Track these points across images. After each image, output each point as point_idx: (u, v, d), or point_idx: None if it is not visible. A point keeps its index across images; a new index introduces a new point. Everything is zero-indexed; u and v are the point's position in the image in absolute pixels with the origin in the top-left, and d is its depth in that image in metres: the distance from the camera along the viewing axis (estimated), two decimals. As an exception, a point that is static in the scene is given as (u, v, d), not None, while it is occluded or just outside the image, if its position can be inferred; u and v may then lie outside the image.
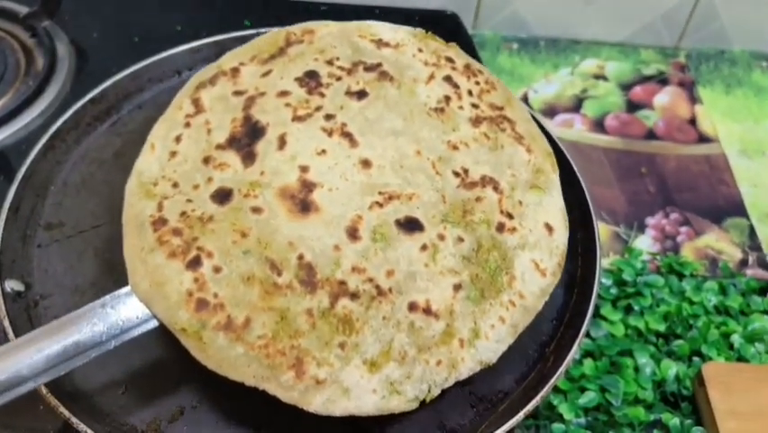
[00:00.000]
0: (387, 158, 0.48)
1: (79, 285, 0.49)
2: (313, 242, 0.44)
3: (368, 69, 0.52)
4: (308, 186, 0.46)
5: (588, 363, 0.62)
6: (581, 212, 0.54)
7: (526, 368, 0.49)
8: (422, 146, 0.49)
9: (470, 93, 0.52)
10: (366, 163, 0.47)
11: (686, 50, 0.92)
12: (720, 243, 0.73)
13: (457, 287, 0.44)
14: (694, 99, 0.86)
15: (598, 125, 0.82)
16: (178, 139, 0.49)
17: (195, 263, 0.42)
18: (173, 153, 0.48)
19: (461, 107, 0.51)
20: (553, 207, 0.49)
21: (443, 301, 0.43)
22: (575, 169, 0.55)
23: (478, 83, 0.53)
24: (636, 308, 0.66)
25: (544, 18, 0.89)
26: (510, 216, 0.47)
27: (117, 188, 0.48)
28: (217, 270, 0.42)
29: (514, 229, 0.47)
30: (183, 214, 0.44)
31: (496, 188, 0.48)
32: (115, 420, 0.44)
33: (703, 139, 0.82)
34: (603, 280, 0.67)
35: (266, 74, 0.52)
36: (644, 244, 0.73)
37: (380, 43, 0.54)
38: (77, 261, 0.51)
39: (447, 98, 0.51)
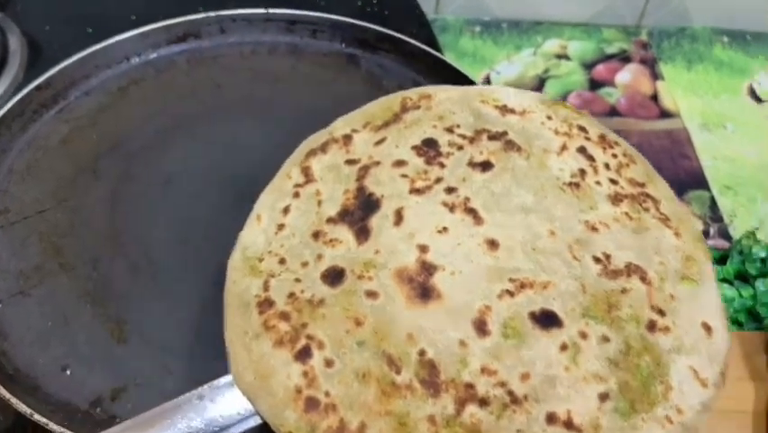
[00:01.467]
0: (516, 238, 0.42)
1: (23, 270, 0.49)
2: (435, 335, 0.38)
3: (492, 137, 0.47)
4: (428, 268, 0.40)
5: None
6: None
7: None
8: (556, 226, 0.43)
9: (607, 167, 0.47)
10: (493, 244, 0.42)
11: (648, 28, 0.91)
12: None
13: (603, 396, 0.38)
14: (656, 76, 0.85)
15: None
16: (285, 210, 0.44)
17: (304, 354, 0.37)
18: (280, 226, 0.44)
19: (598, 183, 0.45)
20: (710, 303, 0.42)
21: (587, 413, 0.37)
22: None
23: (615, 155, 0.47)
24: None
25: (506, 0, 0.89)
26: (662, 313, 0.41)
27: (63, 175, 0.51)
28: (329, 363, 0.37)
29: (667, 329, 0.40)
30: (291, 295, 0.40)
31: (643, 279, 0.42)
32: (57, 400, 0.43)
33: (665, 114, 0.81)
34: None
35: (380, 142, 0.47)
36: None
37: (505, 110, 0.49)
38: (20, 246, 0.50)
39: (582, 172, 0.46)
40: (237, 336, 0.39)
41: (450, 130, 0.48)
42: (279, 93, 0.62)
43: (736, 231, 0.70)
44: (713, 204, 0.74)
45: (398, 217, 0.43)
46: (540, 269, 0.41)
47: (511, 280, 0.40)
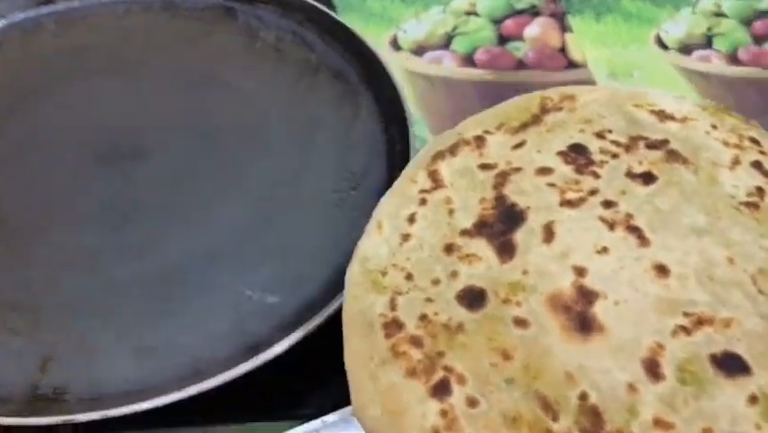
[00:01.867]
0: (689, 265, 0.35)
1: None
2: (598, 375, 0.32)
3: (651, 146, 0.41)
4: (587, 295, 0.34)
5: None
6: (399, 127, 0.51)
7: None
8: (734, 252, 0.36)
9: (786, 185, 0.39)
10: (662, 270, 0.35)
11: (557, -18, 0.87)
12: None
13: (803, 467, 0.31)
14: (564, 28, 0.81)
15: (468, 60, 0.79)
16: (411, 219, 0.39)
17: (442, 389, 0.31)
18: (406, 236, 0.38)
19: (779, 204, 0.38)
20: None
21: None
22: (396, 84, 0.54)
23: (796, 174, 0.40)
24: None
25: (416, -42, 0.85)
26: None
27: None
28: (472, 403, 0.31)
29: None
30: (423, 317, 0.34)
31: None
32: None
33: (572, 65, 0.79)
34: None
35: (518, 146, 0.41)
36: None
37: (663, 115, 0.43)
38: None
39: (760, 191, 0.39)
40: (360, 361, 0.33)
41: (600, 135, 0.41)
42: (152, 51, 0.60)
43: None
44: None
45: (549, 233, 0.36)
46: (719, 303, 0.34)
47: (686, 314, 0.34)
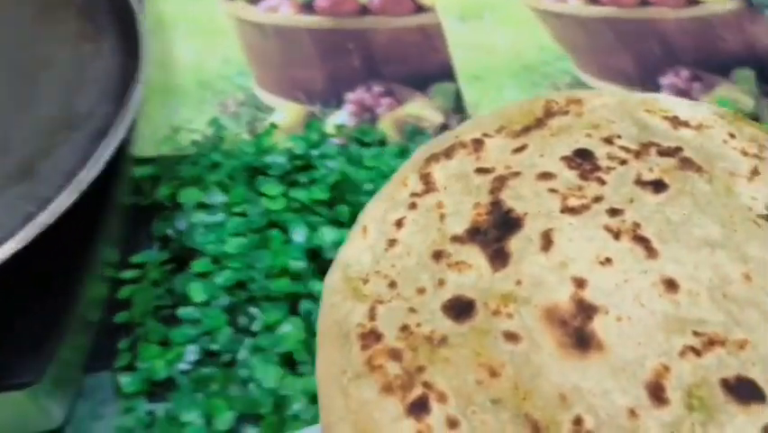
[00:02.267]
0: (701, 280, 0.32)
1: None
2: (596, 399, 0.29)
3: (663, 153, 0.37)
4: (587, 309, 0.31)
5: (233, 241, 0.55)
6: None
7: None
8: (751, 268, 0.33)
9: (813, 198, 0.36)
10: (671, 285, 0.32)
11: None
12: (424, 110, 0.70)
13: (824, 505, 0.27)
14: None
15: (307, 8, 0.77)
16: (399, 223, 0.36)
17: (420, 408, 0.28)
18: (392, 242, 0.35)
19: (804, 218, 0.35)
20: None
21: None
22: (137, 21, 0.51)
23: (822, 187, 0.37)
24: (304, 180, 0.59)
25: None
26: None
27: None
28: (453, 424, 0.28)
29: None
30: (405, 328, 0.31)
31: None
32: None
33: (420, 9, 0.78)
34: (277, 159, 0.62)
35: (519, 149, 0.39)
36: (341, 119, 0.68)
37: (677, 122, 0.40)
38: None
39: (782, 203, 0.35)
40: (332, 375, 0.30)
41: (609, 141, 0.38)
42: None
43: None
44: (458, 96, 0.72)
45: (547, 241, 0.33)
46: (734, 322, 0.31)
47: (696, 333, 0.30)
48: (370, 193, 0.61)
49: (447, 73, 0.75)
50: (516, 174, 0.37)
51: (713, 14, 0.81)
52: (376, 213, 0.37)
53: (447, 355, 0.30)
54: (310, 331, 0.52)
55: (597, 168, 0.37)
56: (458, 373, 0.29)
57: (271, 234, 0.56)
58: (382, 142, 0.68)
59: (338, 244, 0.56)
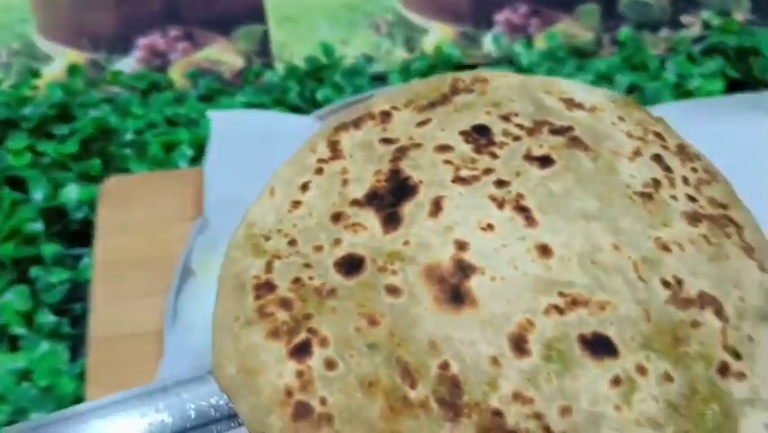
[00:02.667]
0: (573, 248, 0.35)
1: None
2: (464, 347, 0.31)
3: (555, 131, 0.40)
4: (465, 269, 0.34)
5: None
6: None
7: None
8: (621, 239, 0.36)
9: (685, 181, 0.39)
10: (545, 250, 0.35)
11: None
12: (223, 54, 0.69)
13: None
14: None
15: None
16: (304, 187, 0.38)
17: (302, 351, 0.31)
18: (296, 203, 0.38)
19: (673, 197, 0.38)
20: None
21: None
22: None
23: (695, 170, 0.40)
24: (62, 132, 0.58)
25: None
26: (737, 356, 0.33)
27: None
28: (331, 365, 0.31)
29: (742, 375, 0.33)
30: (297, 281, 0.33)
31: (719, 313, 0.34)
32: None
33: None
34: (37, 110, 0.59)
35: (423, 123, 0.41)
36: (126, 66, 0.67)
37: (571, 104, 0.43)
38: None
39: (656, 183, 0.39)
40: (225, 321, 0.33)
41: (506, 118, 0.41)
42: None
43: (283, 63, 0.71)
44: (265, 38, 0.72)
45: (436, 207, 0.36)
46: (598, 286, 0.34)
47: (562, 294, 0.34)
48: (133, 144, 0.61)
49: (256, 14, 0.72)
50: (418, 145, 0.39)
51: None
52: (285, 176, 0.39)
53: (333, 306, 0.32)
54: (37, 300, 0.49)
55: (492, 143, 0.40)
56: (341, 321, 0.32)
57: (2, 194, 0.53)
58: (162, 89, 0.66)
59: (85, 202, 0.55)
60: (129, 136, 0.62)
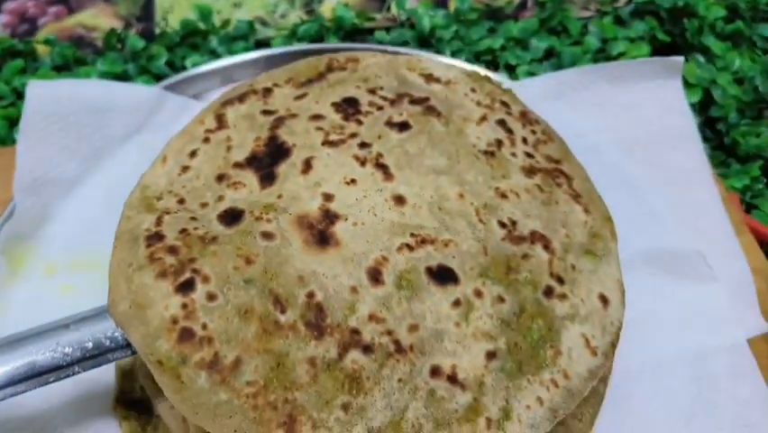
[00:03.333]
0: (424, 197, 0.41)
1: None
2: (327, 280, 0.37)
3: (414, 101, 0.47)
4: (330, 217, 0.40)
5: None
6: None
7: None
8: (466, 189, 0.42)
9: (524, 141, 0.46)
10: (400, 200, 0.41)
11: None
12: (99, 18, 0.66)
13: (491, 355, 0.37)
14: None
15: None
16: (193, 154, 0.43)
17: (186, 287, 0.36)
18: (185, 168, 0.43)
19: (513, 154, 0.45)
20: (610, 278, 0.41)
21: (472, 370, 0.36)
22: None
23: (534, 132, 0.47)
24: None
25: None
26: (560, 281, 0.40)
27: None
28: (211, 297, 0.36)
29: (564, 296, 0.40)
30: (183, 231, 0.38)
31: (546, 247, 0.41)
32: None
33: None
34: None
35: (300, 97, 0.47)
36: None
37: (430, 78, 0.49)
38: None
39: (499, 143, 0.45)
40: (120, 268, 0.37)
41: (372, 91, 0.47)
42: None
43: (169, 25, 0.67)
44: (149, 2, 0.69)
45: (307, 166, 0.42)
46: (444, 228, 0.40)
47: (413, 235, 0.40)
48: None
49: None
50: (294, 116, 0.45)
51: None
52: (176, 145, 0.44)
53: (215, 250, 0.37)
54: None
55: (358, 112, 0.45)
56: (221, 262, 0.37)
57: None
58: (20, 57, 0.63)
59: None
60: None
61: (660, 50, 0.68)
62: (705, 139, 0.61)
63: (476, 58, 0.67)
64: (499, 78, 0.57)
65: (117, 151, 0.50)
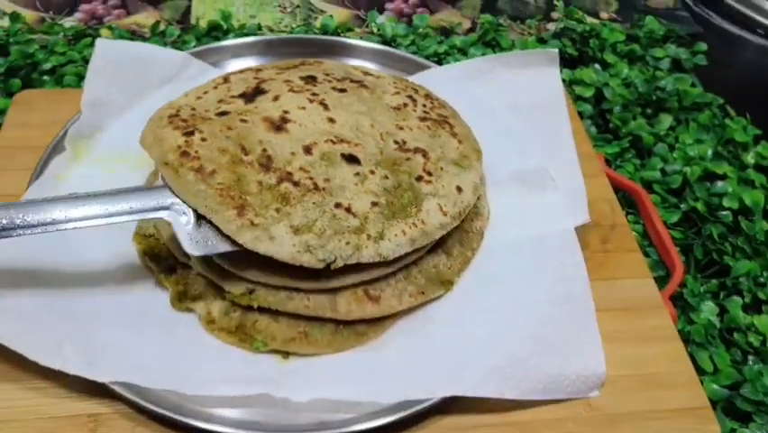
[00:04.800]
0: (348, 123, 0.64)
1: None
2: (276, 146, 0.59)
3: (352, 81, 0.71)
4: (285, 120, 0.62)
5: None
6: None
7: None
8: (376, 122, 0.65)
9: (423, 105, 0.70)
10: (331, 120, 0.64)
11: None
12: (149, 19, 0.89)
13: (374, 204, 0.58)
14: None
15: None
16: (206, 91, 0.67)
17: (189, 134, 0.58)
18: (198, 98, 0.66)
19: (414, 110, 0.68)
20: (468, 180, 0.63)
21: (361, 209, 0.57)
22: None
23: (433, 103, 0.71)
24: None
25: None
26: (430, 174, 0.62)
27: None
28: (203, 140, 0.58)
29: (429, 182, 0.61)
30: (192, 115, 0.61)
31: (424, 156, 0.63)
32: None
33: None
34: None
35: (280, 73, 0.71)
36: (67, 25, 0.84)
37: (367, 73, 0.73)
38: None
39: (405, 104, 0.69)
40: (149, 128, 0.60)
41: (327, 74, 0.71)
42: None
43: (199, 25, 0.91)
44: (187, 11, 0.93)
45: (275, 98, 0.65)
46: (357, 138, 0.63)
47: (336, 137, 0.62)
48: (53, 73, 0.83)
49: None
50: (273, 80, 0.69)
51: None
52: (194, 90, 0.68)
53: (210, 122, 0.60)
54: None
55: (315, 81, 0.69)
56: (212, 127, 0.59)
57: None
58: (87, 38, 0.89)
59: (3, 110, 0.74)
60: (49, 66, 0.83)
61: (568, 61, 0.94)
62: (596, 125, 0.88)
63: (426, 59, 0.89)
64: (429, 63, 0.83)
65: (153, 92, 0.74)
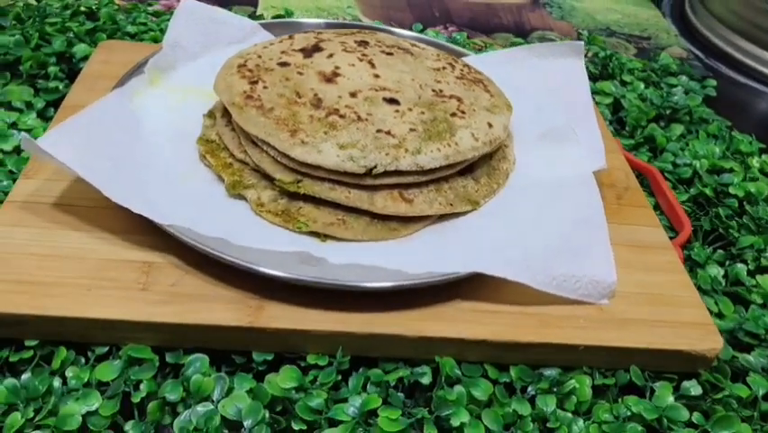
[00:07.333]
0: (392, 77, 0.73)
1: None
2: (326, 93, 0.69)
3: (400, 48, 0.80)
4: (336, 74, 0.72)
5: None
6: None
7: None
8: (417, 77, 0.74)
9: (461, 70, 0.78)
10: (377, 76, 0.73)
11: None
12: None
13: (413, 129, 0.67)
14: None
15: None
16: (271, 43, 0.78)
17: (253, 82, 0.69)
18: (265, 47, 0.77)
19: (452, 72, 0.77)
20: (498, 120, 0.71)
21: (399, 133, 0.66)
22: None
23: (470, 69, 0.79)
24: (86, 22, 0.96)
25: None
26: (463, 113, 0.70)
27: None
28: (265, 87, 0.68)
29: (462, 117, 0.70)
30: (257, 65, 0.72)
31: (459, 100, 0.72)
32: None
33: None
34: None
35: (338, 36, 0.81)
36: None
37: (414, 45, 0.83)
38: None
39: (444, 68, 0.78)
40: (221, 76, 0.71)
41: (380, 42, 0.81)
42: None
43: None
44: (252, 15, 1.07)
45: (330, 56, 0.75)
46: (397, 88, 0.72)
47: (380, 87, 0.71)
48: (134, 36, 0.98)
49: (252, 1, 1.18)
50: (330, 40, 0.79)
51: (499, 3, 1.23)
52: (263, 41, 0.79)
53: (272, 72, 0.70)
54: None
55: (367, 45, 0.79)
56: (273, 77, 0.70)
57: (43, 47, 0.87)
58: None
59: (88, 54, 0.88)
60: (131, 29, 0.97)
61: (589, 78, 1.00)
62: (614, 128, 0.94)
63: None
64: (468, 51, 0.92)
65: (222, 49, 0.85)
